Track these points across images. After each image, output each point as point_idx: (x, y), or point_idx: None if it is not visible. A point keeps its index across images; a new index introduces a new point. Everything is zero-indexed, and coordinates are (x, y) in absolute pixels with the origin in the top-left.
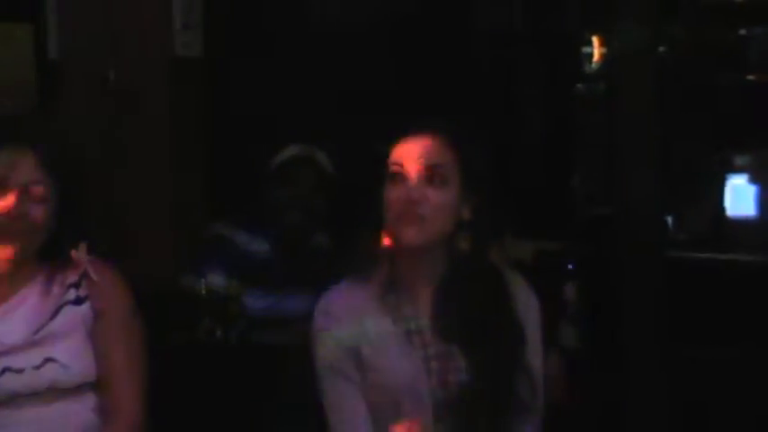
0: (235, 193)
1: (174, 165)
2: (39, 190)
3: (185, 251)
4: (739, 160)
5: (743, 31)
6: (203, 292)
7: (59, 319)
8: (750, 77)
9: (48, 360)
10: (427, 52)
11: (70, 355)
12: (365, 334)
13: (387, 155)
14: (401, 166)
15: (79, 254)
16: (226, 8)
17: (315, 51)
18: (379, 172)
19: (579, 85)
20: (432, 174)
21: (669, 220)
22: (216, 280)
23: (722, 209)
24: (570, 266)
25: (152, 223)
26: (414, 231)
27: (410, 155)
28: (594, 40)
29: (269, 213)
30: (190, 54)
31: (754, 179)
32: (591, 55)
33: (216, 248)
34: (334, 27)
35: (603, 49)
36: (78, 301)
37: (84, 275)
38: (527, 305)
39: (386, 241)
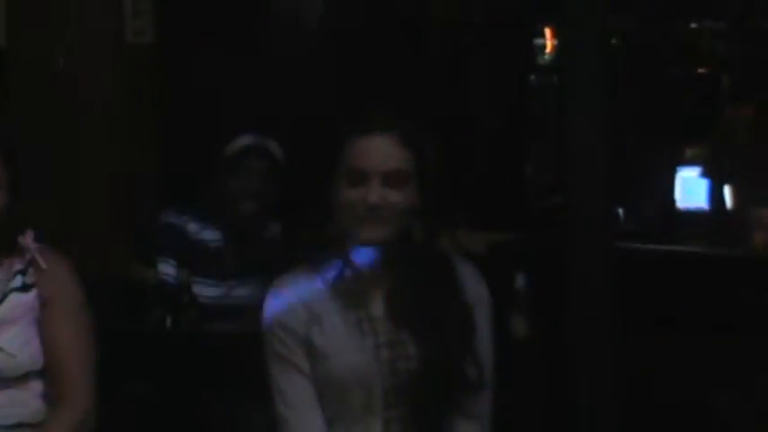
0: (186, 181)
1: (125, 153)
2: None
3: (136, 240)
4: (690, 152)
5: (694, 25)
6: (154, 280)
7: (5, 306)
8: (701, 70)
9: None
10: (377, 43)
11: (16, 343)
12: (316, 322)
13: (339, 147)
14: (360, 168)
15: (26, 241)
16: None
17: (267, 39)
18: (330, 162)
19: (532, 77)
20: (391, 177)
21: (620, 211)
22: (166, 268)
23: (672, 201)
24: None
25: (102, 211)
26: (375, 232)
27: (369, 157)
28: (547, 31)
29: (221, 202)
30: (140, 41)
31: (704, 172)
32: (543, 46)
33: (167, 237)
34: (286, 16)
35: (555, 41)
36: (25, 288)
37: (32, 263)
38: (477, 294)
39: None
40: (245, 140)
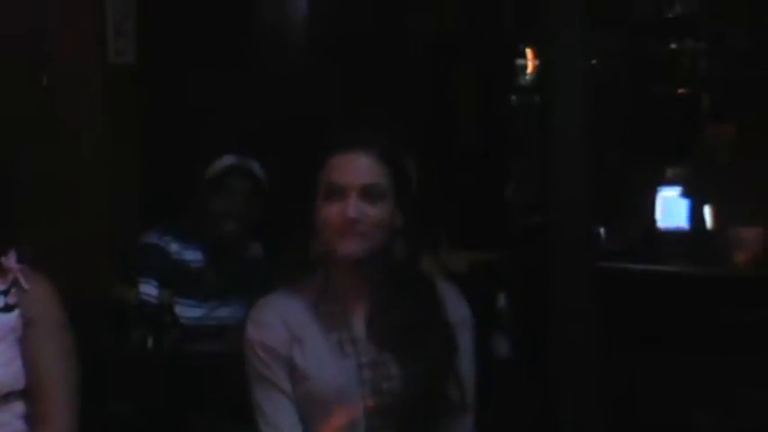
0: (168, 201)
1: (107, 173)
2: None
3: (117, 260)
4: (671, 172)
5: (674, 45)
6: (135, 301)
7: None
8: (682, 90)
9: None
10: (359, 64)
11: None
12: (297, 342)
13: (319, 166)
14: (337, 183)
15: (9, 261)
16: (160, 16)
17: (249, 58)
18: (312, 182)
19: (513, 97)
20: (369, 192)
21: (602, 230)
22: (148, 289)
23: (653, 220)
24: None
25: (84, 231)
26: (354, 246)
27: (346, 172)
28: (528, 51)
29: (203, 223)
30: (123, 61)
31: (685, 191)
32: (525, 66)
33: (148, 257)
34: (267, 36)
35: (537, 61)
36: (7, 309)
37: (14, 283)
38: (459, 315)
39: (319, 251)
40: (227, 161)
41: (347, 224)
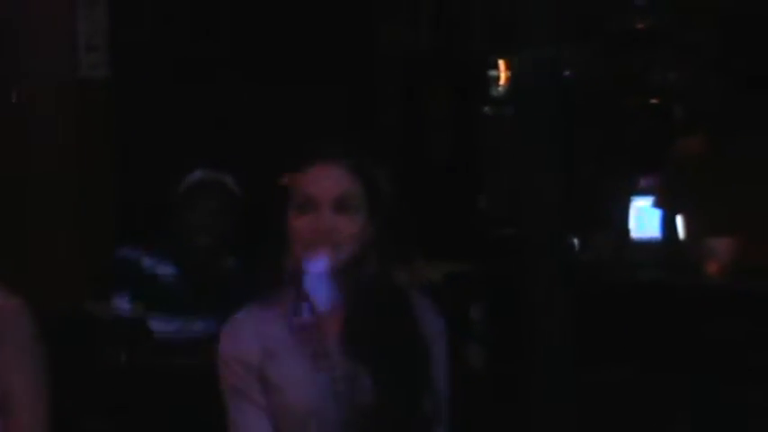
0: (140, 216)
1: (80, 188)
2: None
3: (90, 276)
4: (643, 182)
5: (646, 56)
6: (109, 316)
7: None
8: (653, 101)
9: None
10: (332, 73)
11: None
12: (271, 356)
13: (290, 178)
14: (310, 195)
15: None
16: (133, 30)
17: (221, 74)
18: (283, 195)
19: (486, 108)
20: (341, 203)
21: (575, 241)
22: (121, 304)
23: (627, 230)
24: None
25: (56, 247)
26: (324, 257)
27: (318, 184)
28: (501, 63)
29: (177, 237)
30: (95, 75)
31: (658, 201)
32: (497, 78)
33: (121, 272)
34: (240, 48)
35: (509, 73)
36: None
37: None
38: (433, 327)
39: (293, 264)
40: (199, 175)
41: (320, 236)
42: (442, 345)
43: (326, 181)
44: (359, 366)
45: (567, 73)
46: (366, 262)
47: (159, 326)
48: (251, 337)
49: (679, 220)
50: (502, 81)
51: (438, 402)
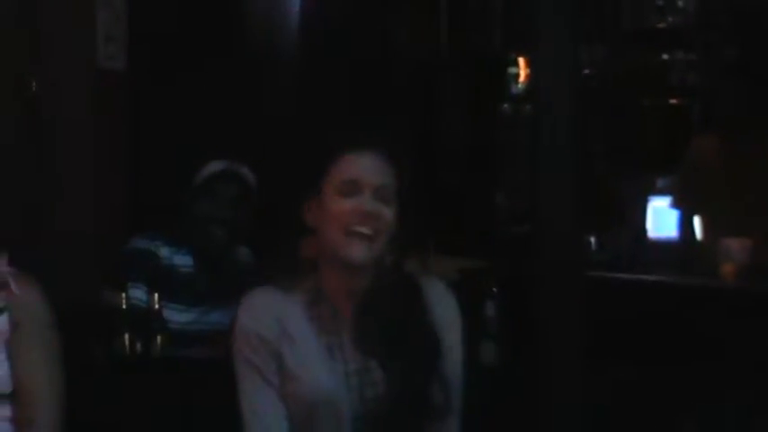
0: (157, 206)
1: (96, 178)
2: None
3: (106, 265)
4: (660, 182)
5: (665, 56)
6: (124, 306)
7: None
8: (672, 101)
9: None
10: (352, 69)
11: None
12: (288, 340)
13: (329, 163)
14: (354, 179)
15: (1, 265)
16: (152, 21)
17: (240, 67)
18: (315, 180)
19: (505, 105)
20: (382, 192)
21: (591, 240)
22: (137, 294)
23: (644, 230)
24: (494, 289)
25: (73, 236)
26: (363, 249)
27: (364, 169)
28: (520, 61)
29: (192, 228)
30: (113, 66)
31: (675, 201)
32: (516, 76)
33: (137, 262)
34: (260, 46)
35: (529, 70)
36: None
37: (3, 286)
38: (446, 315)
39: (313, 251)
40: (215, 166)
41: (363, 219)
42: (455, 332)
43: (371, 168)
44: (369, 359)
45: (585, 72)
46: (387, 254)
47: (175, 316)
48: (270, 315)
49: (696, 221)
50: (521, 78)
51: (448, 392)
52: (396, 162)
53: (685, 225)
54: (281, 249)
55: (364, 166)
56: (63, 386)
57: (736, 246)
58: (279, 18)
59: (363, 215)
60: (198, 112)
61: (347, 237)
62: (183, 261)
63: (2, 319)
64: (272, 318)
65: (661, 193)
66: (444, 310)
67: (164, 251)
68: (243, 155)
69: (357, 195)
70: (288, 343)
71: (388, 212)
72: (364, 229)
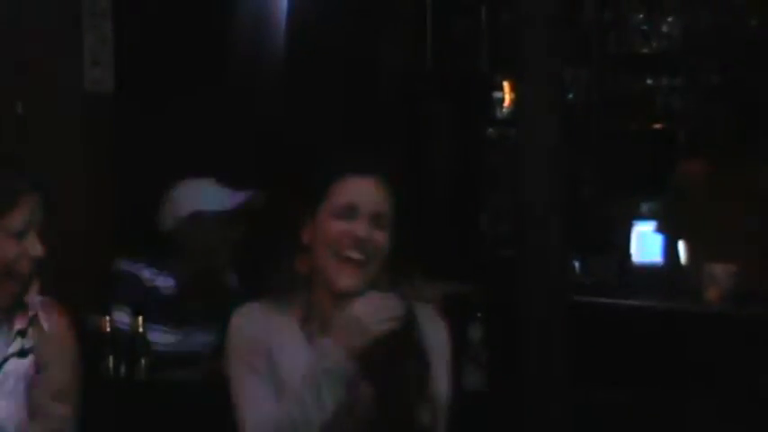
0: (143, 229)
1: (82, 201)
2: None
3: (90, 288)
4: (645, 207)
5: (650, 81)
6: (108, 329)
7: (1, 375)
8: (656, 126)
9: None
10: (337, 93)
11: (7, 414)
12: (283, 352)
13: (327, 185)
14: (351, 203)
15: (31, 297)
16: (138, 45)
17: (227, 89)
18: (311, 202)
19: (490, 129)
20: (378, 218)
21: (576, 264)
22: (121, 317)
23: (629, 255)
24: (478, 314)
25: (56, 259)
26: (353, 276)
27: (361, 194)
28: (506, 84)
29: (176, 250)
30: (100, 90)
31: (659, 226)
32: (502, 99)
33: (121, 285)
34: (246, 66)
35: (514, 94)
36: (23, 354)
37: (33, 321)
38: (435, 338)
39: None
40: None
41: (356, 243)
42: (443, 353)
43: (368, 193)
44: (361, 378)
45: (569, 96)
46: (379, 281)
47: (160, 338)
48: (263, 323)
49: (681, 245)
50: (506, 102)
51: (437, 415)
52: (391, 187)
53: (670, 250)
54: (275, 265)
55: (363, 191)
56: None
57: (720, 270)
58: (266, 43)
59: (357, 240)
60: (186, 133)
61: (339, 262)
62: (165, 283)
63: (27, 360)
64: (266, 326)
65: (646, 217)
66: (434, 333)
67: (146, 273)
68: (233, 175)
69: (353, 220)
70: (280, 349)
71: (382, 239)
72: (356, 255)
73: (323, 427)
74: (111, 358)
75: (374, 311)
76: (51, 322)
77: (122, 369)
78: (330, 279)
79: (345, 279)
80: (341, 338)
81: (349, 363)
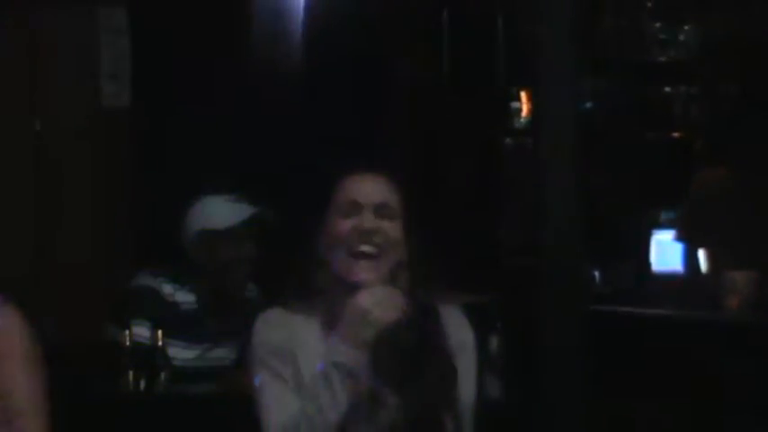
0: (160, 244)
1: (101, 215)
2: None
3: (110, 303)
4: (664, 216)
5: (668, 89)
6: (128, 343)
7: None
8: (675, 134)
9: None
10: (354, 106)
11: None
12: (306, 357)
13: (333, 187)
14: (353, 200)
15: None
16: (154, 59)
17: (244, 101)
18: (323, 205)
19: (508, 139)
20: (382, 208)
21: (596, 274)
22: (141, 331)
23: (648, 264)
24: (498, 324)
25: (76, 273)
26: (369, 270)
27: (361, 190)
28: (523, 94)
29: (196, 264)
30: (117, 104)
31: (679, 235)
32: (519, 110)
33: (141, 299)
34: (262, 78)
35: (531, 104)
36: None
37: None
38: (460, 340)
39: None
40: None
41: (363, 236)
42: (468, 357)
43: (369, 188)
44: (384, 385)
45: (588, 105)
46: (398, 279)
47: (179, 353)
48: (286, 327)
49: (700, 254)
50: (524, 113)
51: (459, 418)
52: (399, 183)
53: (690, 258)
54: (295, 279)
55: (363, 186)
56: (49, 412)
57: (741, 278)
58: (282, 45)
59: (364, 232)
60: (204, 147)
61: (352, 258)
62: (186, 297)
63: None
64: (289, 331)
65: (665, 226)
66: (458, 334)
67: (167, 288)
68: (253, 189)
69: (357, 215)
70: (302, 353)
71: (391, 229)
72: (367, 248)
73: (340, 425)
74: (131, 372)
75: (377, 302)
76: (4, 317)
77: (142, 383)
78: (347, 278)
79: (361, 273)
80: (347, 331)
81: (358, 355)
